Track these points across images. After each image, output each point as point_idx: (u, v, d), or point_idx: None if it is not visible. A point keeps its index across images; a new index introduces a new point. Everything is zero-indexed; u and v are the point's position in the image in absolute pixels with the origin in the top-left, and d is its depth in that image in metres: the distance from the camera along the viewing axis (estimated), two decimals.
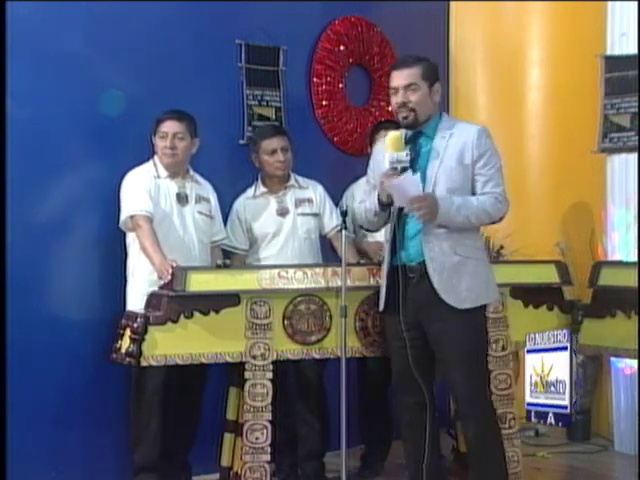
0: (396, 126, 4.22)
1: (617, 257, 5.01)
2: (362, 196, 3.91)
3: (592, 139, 5.16)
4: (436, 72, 3.65)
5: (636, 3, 4.91)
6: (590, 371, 5.17)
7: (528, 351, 3.27)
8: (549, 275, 4.18)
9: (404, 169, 3.46)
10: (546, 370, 3.23)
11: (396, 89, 3.59)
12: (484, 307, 3.63)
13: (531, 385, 3.26)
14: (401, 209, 3.54)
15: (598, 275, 4.26)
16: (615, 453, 4.96)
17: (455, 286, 3.50)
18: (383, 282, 3.67)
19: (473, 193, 3.57)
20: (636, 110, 4.97)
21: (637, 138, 4.97)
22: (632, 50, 4.98)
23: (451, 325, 3.51)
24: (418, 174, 3.48)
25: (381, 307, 3.69)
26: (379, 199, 3.54)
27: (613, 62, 5.09)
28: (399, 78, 3.58)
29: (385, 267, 3.64)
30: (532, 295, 4.12)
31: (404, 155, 3.45)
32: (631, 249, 4.94)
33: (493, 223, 3.66)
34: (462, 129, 3.61)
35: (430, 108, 3.61)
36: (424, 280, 3.52)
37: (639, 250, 4.73)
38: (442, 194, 3.48)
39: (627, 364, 4.89)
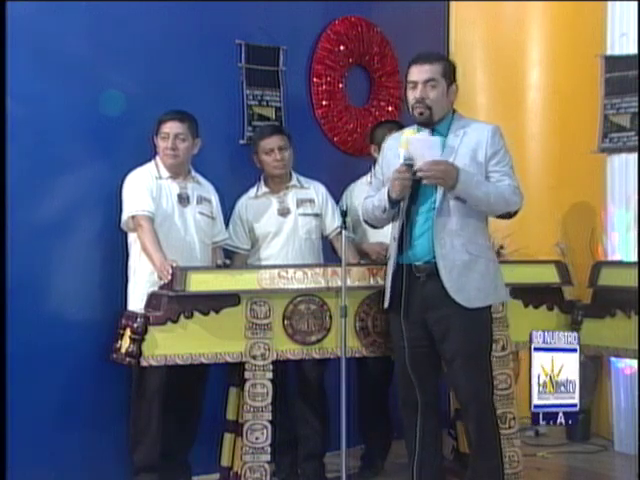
0: (398, 126, 4.24)
1: (617, 257, 5.01)
2: (369, 191, 3.89)
3: (592, 139, 5.16)
4: (454, 72, 3.64)
5: (636, 3, 4.91)
6: (590, 371, 5.16)
7: (536, 349, 3.26)
8: (549, 275, 4.19)
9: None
10: (556, 370, 3.23)
11: (415, 83, 3.56)
12: (490, 307, 3.64)
13: (539, 386, 3.24)
14: (410, 207, 3.54)
15: (598, 275, 4.26)
16: (615, 453, 4.96)
17: (465, 285, 3.50)
18: (388, 280, 3.65)
19: None
20: (636, 110, 4.97)
21: (637, 138, 4.97)
22: (632, 50, 4.98)
23: (458, 324, 3.51)
24: (439, 138, 3.48)
25: (386, 304, 3.67)
26: (389, 196, 3.53)
27: (613, 62, 5.09)
28: (419, 73, 3.56)
29: (391, 265, 3.62)
30: (532, 295, 4.13)
31: None
32: (631, 249, 4.94)
33: (508, 216, 3.63)
34: (475, 128, 3.61)
35: (445, 107, 3.60)
36: (432, 279, 3.51)
37: (639, 250, 4.74)
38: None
39: (627, 364, 4.89)
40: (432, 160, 3.43)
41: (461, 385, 3.59)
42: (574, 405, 3.18)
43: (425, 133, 3.55)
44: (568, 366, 3.19)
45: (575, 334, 3.23)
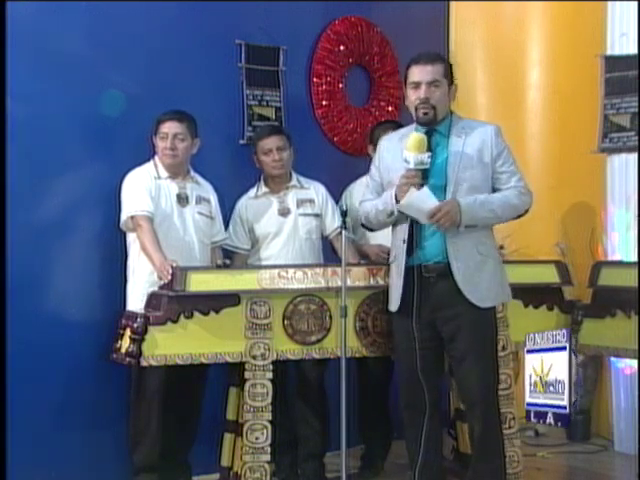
0: (397, 126, 4.24)
1: (617, 257, 5.01)
2: (366, 193, 3.87)
3: (592, 139, 5.16)
4: (452, 72, 3.65)
5: (636, 3, 4.91)
6: (590, 371, 5.16)
7: (528, 351, 3.31)
8: (549, 275, 4.19)
9: (425, 171, 3.47)
10: (545, 370, 3.25)
11: (418, 84, 3.56)
12: (495, 306, 3.66)
13: (531, 385, 3.28)
14: None
15: (598, 275, 4.26)
16: (615, 453, 4.96)
17: (477, 284, 3.53)
18: (397, 282, 3.61)
19: (494, 191, 3.59)
20: (636, 110, 4.97)
21: (637, 138, 4.97)
22: (632, 50, 4.98)
23: (469, 323, 3.52)
24: (425, 187, 3.47)
25: (394, 307, 3.65)
26: (397, 200, 3.52)
27: (613, 62, 5.09)
28: (422, 73, 3.55)
29: (400, 267, 3.59)
30: (532, 295, 4.12)
31: (426, 157, 3.46)
32: (631, 249, 4.94)
33: (519, 216, 3.66)
34: (477, 128, 3.63)
35: (447, 107, 3.62)
36: (442, 279, 3.52)
37: (639, 250, 4.74)
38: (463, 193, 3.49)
39: (627, 364, 4.89)
40: (435, 208, 3.42)
41: (470, 384, 3.59)
42: (563, 407, 3.18)
43: (414, 190, 3.48)
44: (557, 365, 3.21)
45: (564, 331, 3.23)
